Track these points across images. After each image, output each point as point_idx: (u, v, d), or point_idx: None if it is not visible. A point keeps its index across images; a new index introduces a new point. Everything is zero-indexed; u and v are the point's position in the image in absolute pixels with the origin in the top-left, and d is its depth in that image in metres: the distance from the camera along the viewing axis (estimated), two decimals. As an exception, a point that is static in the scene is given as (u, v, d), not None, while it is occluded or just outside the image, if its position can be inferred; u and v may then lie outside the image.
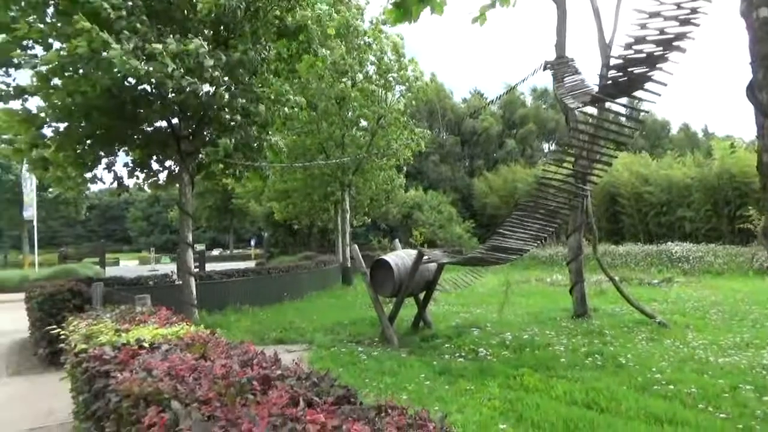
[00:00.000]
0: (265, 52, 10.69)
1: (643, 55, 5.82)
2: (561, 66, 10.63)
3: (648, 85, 6.56)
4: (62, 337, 4.58)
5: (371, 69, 21.44)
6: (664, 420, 5.11)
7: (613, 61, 6.25)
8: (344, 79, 20.00)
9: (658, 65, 6.10)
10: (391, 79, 21.19)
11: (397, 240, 12.47)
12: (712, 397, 5.76)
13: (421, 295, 10.56)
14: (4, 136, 10.90)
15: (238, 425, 1.76)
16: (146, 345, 3.27)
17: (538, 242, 8.85)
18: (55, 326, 5.71)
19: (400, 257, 9.90)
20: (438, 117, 47.87)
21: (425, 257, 9.42)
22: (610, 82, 6.64)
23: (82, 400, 3.39)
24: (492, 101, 36.80)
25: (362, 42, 20.79)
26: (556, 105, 49.95)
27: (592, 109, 9.82)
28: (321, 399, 2.14)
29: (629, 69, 6.20)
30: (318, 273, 19.35)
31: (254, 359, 2.76)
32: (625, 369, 7.05)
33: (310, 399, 2.12)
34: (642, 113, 9.57)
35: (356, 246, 11.03)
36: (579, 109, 9.10)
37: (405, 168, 26.46)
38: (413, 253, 9.89)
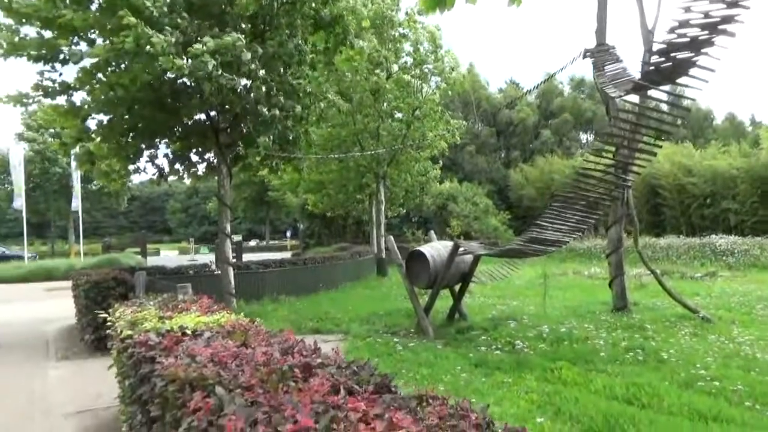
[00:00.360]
0: (302, 45, 10.75)
1: (687, 39, 5.60)
2: (601, 53, 10.35)
3: (694, 71, 6.32)
4: (108, 323, 4.73)
5: (408, 60, 21.34)
6: (708, 417, 4.97)
7: (656, 46, 6.05)
8: (377, 71, 19.94)
9: (703, 50, 5.87)
10: (426, 70, 21.04)
11: (432, 231, 12.43)
12: (759, 395, 5.58)
13: (457, 287, 10.51)
14: (51, 130, 11.29)
15: (281, 411, 1.78)
16: (189, 332, 3.34)
17: (577, 234, 8.68)
18: (101, 313, 5.89)
19: (435, 249, 9.87)
20: (473, 108, 47.42)
21: (461, 249, 9.36)
22: (652, 68, 6.44)
23: (128, 385, 3.49)
24: (528, 91, 36.20)
25: (397, 33, 20.70)
26: (594, 94, 48.86)
27: (634, 98, 9.56)
28: (361, 387, 2.15)
29: (673, 54, 5.98)
30: (353, 264, 19.48)
31: (294, 347, 2.79)
32: (667, 364, 6.88)
33: (351, 387, 2.13)
34: (687, 101, 9.27)
35: (392, 237, 11.04)
36: (621, 98, 8.86)
37: (441, 160, 26.36)
38: (449, 244, 9.84)
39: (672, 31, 5.63)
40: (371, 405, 1.85)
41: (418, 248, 10.08)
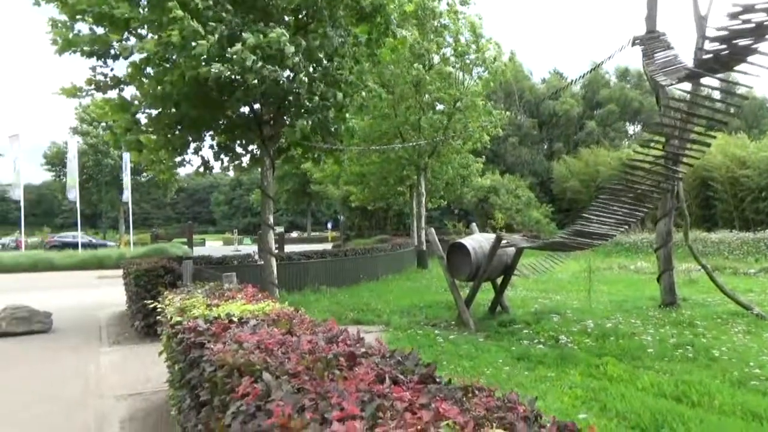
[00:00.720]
0: (345, 36, 10.77)
1: (752, 25, 5.33)
2: (651, 41, 10.01)
3: (753, 58, 6.03)
4: (158, 310, 4.88)
5: (448, 51, 21.15)
6: (763, 417, 4.78)
7: (714, 33, 5.78)
8: (416, 64, 19.80)
9: None
10: (468, 61, 20.80)
11: (474, 224, 12.32)
12: (818, 396, 5.33)
13: (499, 280, 10.40)
14: (103, 123, 11.67)
15: (328, 398, 1.80)
16: (235, 319, 3.41)
17: (625, 227, 8.45)
18: (151, 300, 6.08)
19: (477, 241, 9.78)
20: (515, 98, 46.67)
21: (504, 241, 9.25)
22: (710, 55, 6.17)
23: (178, 369, 3.59)
24: (573, 81, 35.38)
25: (438, 24, 20.53)
26: (642, 84, 47.41)
27: (685, 87, 9.20)
28: (406, 377, 2.15)
29: (734, 41, 5.71)
30: (393, 256, 19.51)
31: (339, 336, 2.81)
32: (718, 362, 6.65)
33: (396, 377, 2.13)
34: (742, 89, 8.78)
35: (433, 229, 11.00)
36: (672, 87, 8.55)
37: (483, 155, 26.12)
38: (491, 237, 9.74)
39: (735, 16, 5.37)
40: (417, 395, 1.85)
41: (459, 240, 10.02)
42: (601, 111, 48.87)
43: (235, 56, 8.51)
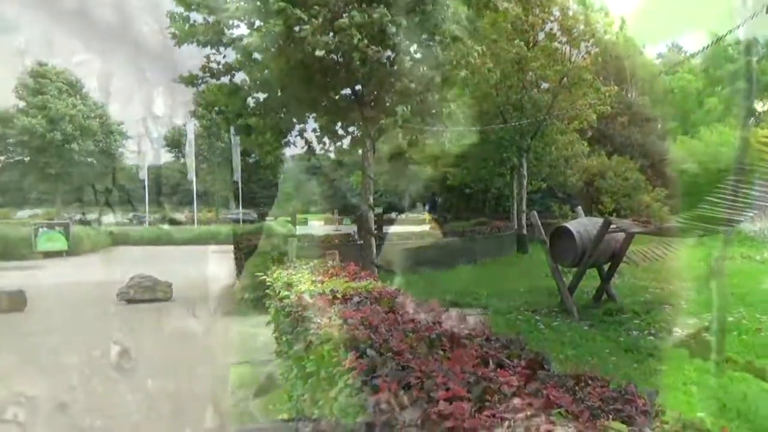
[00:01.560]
0: (444, 12, 10.59)
1: None
2: (791, 5, 8.93)
3: None
4: (267, 284, 5.12)
5: (554, 26, 20.14)
6: None
7: None
8: (517, 41, 19.00)
9: None
10: (576, 33, 19.70)
11: (579, 207, 11.80)
12: None
13: (606, 267, 9.90)
14: (216, 108, 12.38)
15: (433, 378, 1.78)
16: (339, 296, 3.49)
17: (754, 212, 7.69)
18: (259, 274, 6.38)
19: (582, 225, 9.37)
20: (627, 74, 43.82)
21: (612, 226, 8.77)
22: None
23: (285, 340, 3.76)
24: (693, 55, 32.54)
25: (543, -2, 19.60)
26: (777, 55, 42.65)
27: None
28: (512, 362, 2.09)
29: None
30: (492, 239, 19.17)
31: (441, 317, 2.80)
32: None
33: (501, 360, 2.08)
34: None
35: (535, 213, 10.66)
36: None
37: (589, 134, 24.80)
38: (598, 221, 9.28)
39: None
40: (524, 380, 1.79)
41: (564, 224, 9.64)
42: (729, 88, 44.66)
43: (338, 33, 8.66)
